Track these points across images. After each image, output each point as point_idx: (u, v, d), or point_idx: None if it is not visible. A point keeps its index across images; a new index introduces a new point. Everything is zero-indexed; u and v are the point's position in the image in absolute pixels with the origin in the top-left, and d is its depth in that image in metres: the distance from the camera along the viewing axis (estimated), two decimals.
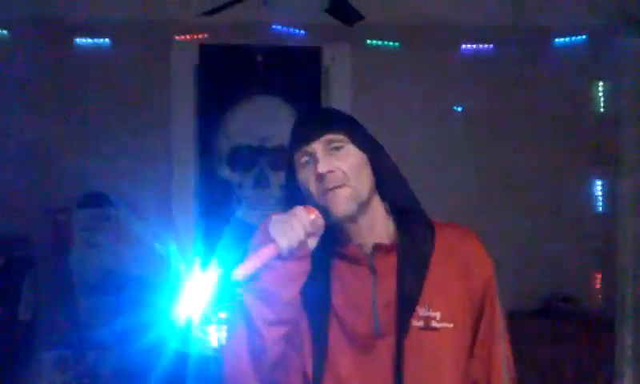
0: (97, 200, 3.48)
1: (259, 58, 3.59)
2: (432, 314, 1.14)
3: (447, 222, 1.24)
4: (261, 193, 3.66)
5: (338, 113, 1.27)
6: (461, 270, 1.18)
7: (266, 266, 1.07)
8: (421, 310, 1.14)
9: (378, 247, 1.18)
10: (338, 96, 3.61)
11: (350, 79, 3.60)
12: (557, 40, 3.75)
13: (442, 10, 3.46)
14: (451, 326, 1.15)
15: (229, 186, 3.66)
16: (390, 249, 1.18)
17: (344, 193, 1.14)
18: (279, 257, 1.07)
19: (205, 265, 3.38)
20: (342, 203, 1.14)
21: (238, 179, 3.67)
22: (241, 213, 3.66)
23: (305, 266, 1.11)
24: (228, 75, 3.63)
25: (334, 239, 1.20)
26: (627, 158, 3.47)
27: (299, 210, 1.11)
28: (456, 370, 1.16)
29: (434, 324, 1.14)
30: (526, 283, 3.47)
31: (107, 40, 3.60)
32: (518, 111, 3.73)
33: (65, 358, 3.16)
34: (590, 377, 3.42)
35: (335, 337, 1.16)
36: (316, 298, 1.17)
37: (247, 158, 3.66)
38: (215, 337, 3.00)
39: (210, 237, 3.55)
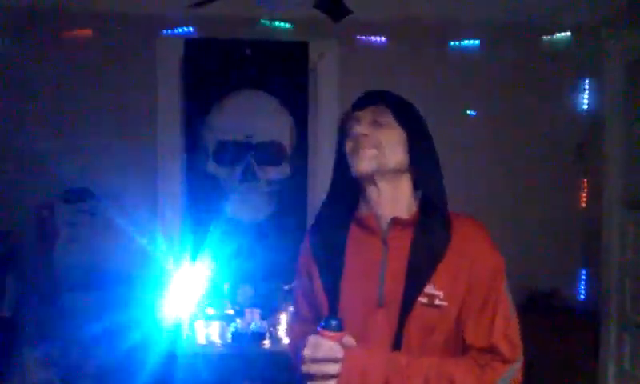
0: (81, 195, 3.47)
1: (247, 52, 3.60)
2: (437, 292, 1.24)
3: (464, 215, 1.35)
4: (248, 188, 3.67)
5: (391, 93, 1.37)
6: (470, 259, 1.27)
7: None
8: (428, 288, 1.24)
9: (395, 221, 1.29)
10: (326, 91, 3.64)
11: (337, 74, 3.63)
12: (544, 37, 3.80)
13: (430, 6, 3.49)
14: (448, 304, 1.25)
15: (216, 182, 3.67)
16: (406, 225, 1.29)
17: (369, 153, 1.28)
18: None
19: (192, 261, 3.40)
20: (364, 160, 1.28)
21: (225, 174, 3.68)
22: (228, 208, 3.66)
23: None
24: (214, 69, 3.63)
25: (356, 204, 1.35)
26: (611, 155, 3.55)
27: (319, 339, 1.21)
28: (447, 342, 1.27)
29: (437, 302, 1.24)
30: (510, 278, 3.52)
31: (92, 32, 3.57)
32: (505, 108, 3.78)
33: (49, 355, 3.15)
34: (573, 370, 3.49)
35: (344, 297, 1.28)
36: (331, 257, 1.31)
37: (234, 152, 3.67)
38: (203, 333, 3.01)
39: (197, 232, 3.56)
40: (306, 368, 1.19)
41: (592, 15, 3.62)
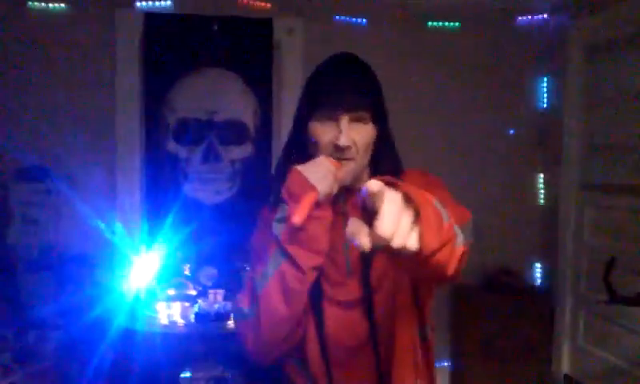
0: (36, 174, 3.39)
1: (212, 28, 3.55)
2: None
3: (413, 169, 1.44)
4: (209, 168, 3.65)
5: (368, 82, 1.35)
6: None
7: (309, 213, 1.21)
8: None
9: (347, 191, 1.35)
10: (291, 70, 3.63)
11: (302, 53, 3.62)
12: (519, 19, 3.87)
13: None
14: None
15: (176, 161, 3.64)
16: (356, 191, 1.31)
17: (349, 167, 1.29)
18: (316, 204, 1.22)
19: (152, 241, 3.37)
20: (345, 176, 1.29)
21: (186, 154, 3.65)
22: (188, 188, 3.64)
23: (331, 214, 1.27)
24: (176, 45, 3.58)
25: None
26: (572, 137, 3.66)
27: (325, 160, 1.26)
28: (413, 292, 1.37)
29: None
30: (470, 257, 3.61)
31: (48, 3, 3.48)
32: (473, 94, 3.85)
33: (4, 337, 3.09)
34: (530, 348, 3.63)
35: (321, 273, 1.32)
36: None
37: (195, 131, 3.64)
38: (165, 314, 3.00)
39: (157, 213, 3.53)
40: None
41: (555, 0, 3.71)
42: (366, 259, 1.33)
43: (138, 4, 3.57)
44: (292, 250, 1.22)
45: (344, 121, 1.28)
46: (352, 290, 1.34)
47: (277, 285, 1.23)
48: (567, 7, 3.69)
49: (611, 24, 3.30)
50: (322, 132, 1.30)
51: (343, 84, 1.30)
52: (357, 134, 1.30)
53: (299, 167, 1.25)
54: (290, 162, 1.31)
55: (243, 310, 1.30)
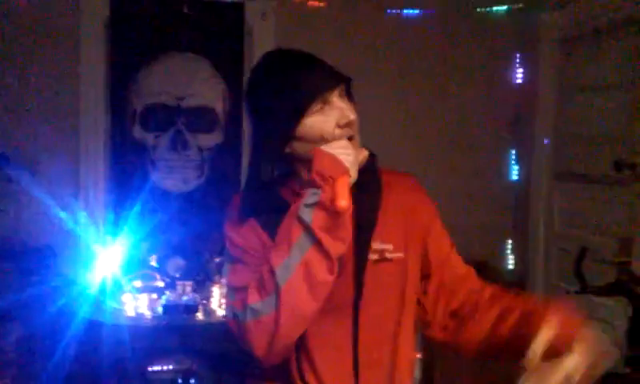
0: None
1: (179, 11, 3.51)
2: (385, 246, 1.33)
3: (396, 171, 1.46)
4: (177, 156, 3.61)
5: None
6: (407, 209, 1.39)
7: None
8: (375, 244, 1.33)
9: None
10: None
11: (273, 38, 3.59)
12: (478, 9, 3.90)
13: None
14: (402, 255, 1.35)
15: (142, 148, 3.59)
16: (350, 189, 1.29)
17: (355, 145, 1.28)
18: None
19: (117, 231, 3.33)
20: (361, 158, 1.27)
21: (153, 141, 3.60)
22: (155, 177, 3.60)
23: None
24: (143, 28, 3.52)
25: (293, 180, 1.35)
26: (543, 127, 3.72)
27: (347, 142, 1.24)
28: (408, 292, 1.38)
29: (387, 255, 1.33)
30: None
31: None
32: (439, 77, 3.87)
33: None
34: None
35: None
36: None
37: (163, 117, 3.60)
38: (131, 306, 2.97)
39: (122, 202, 3.48)
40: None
41: None
42: (358, 251, 1.32)
43: None
44: (324, 237, 1.17)
45: (337, 97, 1.27)
46: (342, 293, 1.30)
47: (302, 276, 1.16)
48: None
49: (584, 16, 3.35)
50: (322, 121, 1.25)
51: (316, 65, 1.29)
52: (350, 108, 1.29)
53: (326, 149, 1.21)
54: (267, 177, 1.31)
55: (254, 307, 1.18)
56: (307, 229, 1.17)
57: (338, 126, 1.25)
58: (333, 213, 1.16)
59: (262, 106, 1.30)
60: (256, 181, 1.31)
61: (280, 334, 1.17)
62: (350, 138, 1.26)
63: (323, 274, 1.17)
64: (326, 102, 1.26)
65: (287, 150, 1.28)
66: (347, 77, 1.30)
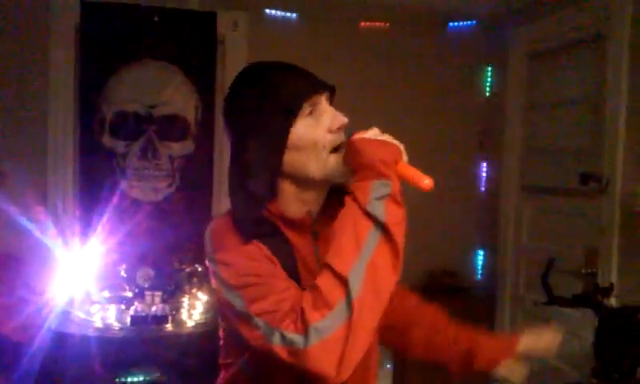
0: None
1: (151, 19, 3.48)
2: None
3: None
4: (147, 165, 3.58)
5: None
6: None
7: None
8: None
9: (324, 213, 1.29)
10: (234, 64, 3.60)
11: (246, 48, 3.59)
12: (450, 24, 3.97)
13: None
14: None
15: (112, 157, 3.55)
16: (332, 215, 1.24)
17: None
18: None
19: (85, 240, 3.28)
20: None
21: (123, 149, 3.56)
22: (125, 185, 3.55)
23: None
24: (113, 36, 3.49)
25: (277, 202, 1.27)
26: (511, 140, 3.78)
27: (377, 130, 1.19)
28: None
29: None
30: (410, 259, 3.67)
31: None
32: (411, 91, 3.92)
33: None
34: None
35: None
36: (285, 260, 1.21)
37: (133, 126, 3.56)
38: (99, 316, 2.93)
39: (91, 210, 3.42)
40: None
41: (498, 5, 3.82)
42: None
43: None
44: (396, 232, 1.08)
45: (326, 102, 1.24)
46: None
47: (371, 277, 1.06)
48: (507, 15, 3.80)
49: (552, 31, 3.42)
50: (313, 126, 1.21)
51: (302, 71, 1.25)
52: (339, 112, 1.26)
53: (367, 136, 1.16)
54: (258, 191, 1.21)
55: (318, 326, 1.04)
56: (378, 224, 1.08)
57: (330, 130, 1.22)
58: (401, 204, 1.10)
59: (249, 119, 1.22)
60: (251, 203, 1.21)
61: (352, 348, 1.05)
62: (340, 145, 1.22)
63: (390, 274, 1.09)
64: (314, 106, 1.22)
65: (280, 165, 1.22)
66: (332, 86, 1.27)
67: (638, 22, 2.79)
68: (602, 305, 2.37)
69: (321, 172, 1.22)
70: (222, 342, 1.38)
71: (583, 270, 2.99)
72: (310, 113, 1.22)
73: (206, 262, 1.25)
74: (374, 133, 1.19)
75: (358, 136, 1.18)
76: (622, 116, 2.85)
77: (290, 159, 1.21)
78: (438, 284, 3.83)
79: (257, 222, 1.21)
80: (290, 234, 1.26)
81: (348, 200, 1.13)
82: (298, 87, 1.21)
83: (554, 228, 3.43)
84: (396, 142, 1.17)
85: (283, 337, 1.07)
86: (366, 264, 1.06)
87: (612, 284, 2.56)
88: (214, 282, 1.22)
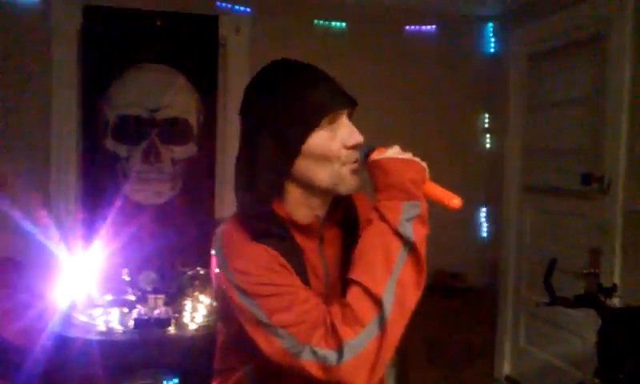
0: None
1: (153, 23, 3.49)
2: None
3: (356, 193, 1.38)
4: (150, 168, 3.58)
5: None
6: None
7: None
8: None
9: (330, 218, 1.31)
10: (236, 68, 3.61)
11: (247, 51, 3.60)
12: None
13: None
14: None
15: (115, 160, 3.55)
16: (337, 219, 1.31)
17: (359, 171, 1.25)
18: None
19: (88, 244, 3.29)
20: (358, 180, 1.25)
21: (125, 152, 3.57)
22: (128, 189, 3.56)
23: None
24: (116, 40, 3.50)
25: (282, 204, 1.27)
26: (510, 142, 3.78)
27: (399, 148, 1.20)
28: None
29: None
30: None
31: None
32: (410, 97, 3.93)
33: None
34: (474, 350, 3.72)
35: None
36: (294, 261, 1.21)
37: (136, 129, 3.57)
38: (102, 320, 2.93)
39: (94, 214, 3.43)
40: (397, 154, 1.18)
41: (497, 7, 3.82)
42: (345, 283, 1.23)
43: None
44: (422, 250, 1.11)
45: (345, 117, 1.23)
46: None
47: (399, 293, 1.09)
48: (509, 16, 3.81)
49: (553, 32, 3.42)
50: (329, 138, 1.20)
51: (329, 82, 1.23)
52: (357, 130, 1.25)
53: (390, 155, 1.17)
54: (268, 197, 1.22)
55: (352, 343, 1.06)
56: (407, 244, 1.10)
57: (345, 146, 1.21)
58: (426, 224, 1.13)
59: (268, 117, 1.20)
60: (257, 201, 1.21)
61: (382, 361, 1.08)
62: (355, 162, 1.22)
63: (415, 290, 1.11)
64: (334, 120, 1.21)
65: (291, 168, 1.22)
66: (355, 100, 1.25)
67: (638, 22, 2.79)
68: (605, 305, 2.36)
69: (329, 182, 1.22)
70: (219, 348, 1.38)
71: (585, 271, 2.98)
72: (330, 125, 1.21)
73: (217, 270, 1.22)
74: (395, 151, 1.18)
75: (381, 154, 1.18)
76: (624, 116, 2.85)
77: (301, 166, 1.21)
78: (440, 285, 3.82)
79: (264, 219, 1.20)
80: (300, 239, 1.25)
81: (375, 219, 1.14)
82: (321, 101, 1.19)
83: (556, 228, 3.43)
84: (419, 160, 1.18)
85: (314, 352, 1.08)
86: (395, 283, 1.09)
87: (615, 284, 2.55)
88: (229, 290, 1.18)
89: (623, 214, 2.86)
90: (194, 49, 3.59)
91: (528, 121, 3.70)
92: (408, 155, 1.18)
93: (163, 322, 2.92)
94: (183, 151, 3.64)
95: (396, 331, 1.09)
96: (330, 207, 1.31)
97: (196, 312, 3.07)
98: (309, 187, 1.24)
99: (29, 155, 3.41)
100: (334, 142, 1.21)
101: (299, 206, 1.26)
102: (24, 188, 3.32)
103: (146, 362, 2.88)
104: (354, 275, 1.11)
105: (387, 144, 1.21)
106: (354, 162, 1.22)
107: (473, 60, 4.05)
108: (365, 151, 1.21)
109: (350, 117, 1.26)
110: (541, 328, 3.54)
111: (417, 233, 1.11)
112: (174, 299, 3.18)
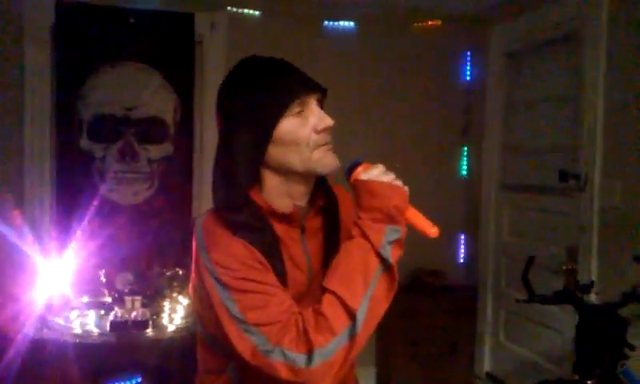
0: None
1: (127, 21, 3.44)
2: None
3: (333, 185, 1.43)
4: (126, 167, 3.54)
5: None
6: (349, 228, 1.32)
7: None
8: None
9: (312, 207, 1.34)
10: (213, 66, 3.57)
11: (225, 49, 3.56)
12: (430, 22, 3.98)
13: None
14: None
15: (90, 160, 3.50)
16: (318, 210, 1.36)
17: (330, 152, 1.29)
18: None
19: (63, 245, 3.23)
20: (335, 158, 1.29)
21: (101, 152, 3.51)
22: (104, 189, 3.51)
23: None
24: (90, 37, 3.44)
25: (259, 193, 1.30)
26: (491, 139, 3.81)
27: (383, 167, 1.27)
28: None
29: None
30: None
31: None
32: (388, 91, 3.93)
33: None
34: (455, 347, 3.75)
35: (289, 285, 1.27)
36: (271, 251, 1.24)
37: (111, 128, 3.51)
38: (78, 322, 2.88)
39: (69, 214, 3.38)
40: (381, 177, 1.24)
41: (477, 4, 3.84)
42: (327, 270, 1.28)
43: None
44: (395, 269, 1.20)
45: (315, 103, 1.27)
46: (313, 301, 1.24)
47: (373, 307, 1.18)
48: (486, 14, 3.82)
49: (530, 30, 3.45)
50: (299, 124, 1.24)
51: (296, 69, 1.28)
52: (327, 115, 1.29)
53: (376, 178, 1.23)
54: (242, 185, 1.24)
55: (323, 350, 1.12)
56: (385, 263, 1.18)
57: (315, 131, 1.25)
58: (403, 246, 1.21)
59: (240, 108, 1.25)
60: (232, 190, 1.24)
61: (346, 364, 1.17)
62: (326, 144, 1.27)
63: (385, 302, 1.20)
64: (304, 106, 1.25)
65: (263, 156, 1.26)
66: (324, 88, 1.30)
67: (613, 20, 2.82)
68: (583, 301, 2.39)
69: (304, 165, 1.26)
70: (199, 348, 1.38)
71: (564, 267, 3.01)
72: (299, 112, 1.25)
73: (200, 260, 1.24)
74: (379, 171, 1.24)
75: (366, 171, 1.24)
76: (600, 113, 2.87)
77: (274, 152, 1.25)
78: (420, 283, 3.83)
79: (241, 210, 1.23)
80: (280, 229, 1.28)
81: (358, 235, 1.20)
82: (289, 85, 1.24)
83: (534, 225, 3.45)
84: (401, 184, 1.24)
85: (284, 354, 1.13)
86: (369, 299, 1.16)
87: (592, 281, 2.58)
88: (207, 281, 1.21)
89: (599, 210, 2.89)
90: (170, 46, 3.54)
91: (506, 119, 3.72)
92: (391, 177, 1.24)
93: (141, 324, 2.88)
94: (160, 150, 3.59)
95: (364, 339, 1.17)
96: (311, 197, 1.34)
97: (175, 313, 3.04)
98: (286, 174, 1.28)
99: (2, 155, 3.34)
100: (304, 128, 1.25)
101: (279, 196, 1.29)
102: None
103: (124, 364, 2.85)
104: (332, 285, 1.17)
105: (372, 160, 1.28)
106: (325, 144, 1.27)
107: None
108: (350, 165, 1.26)
109: (320, 105, 1.30)
110: (520, 324, 3.56)
111: (394, 255, 1.19)
112: (152, 301, 3.14)
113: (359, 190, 1.23)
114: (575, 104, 3.07)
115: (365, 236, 1.19)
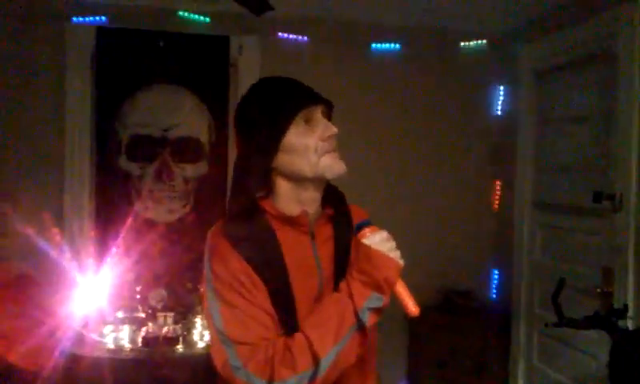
0: None
1: (162, 44, 3.52)
2: None
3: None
4: (163, 186, 3.59)
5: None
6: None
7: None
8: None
9: (322, 215, 1.39)
10: (247, 87, 3.59)
11: (258, 70, 3.60)
12: (462, 44, 3.95)
13: (351, 7, 3.54)
14: None
15: (128, 178, 3.57)
16: (329, 217, 1.41)
17: (336, 158, 1.36)
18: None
19: (100, 261, 3.29)
20: (342, 163, 1.35)
21: (138, 171, 3.58)
22: (140, 207, 3.57)
23: None
24: (128, 60, 3.53)
25: (272, 200, 1.38)
26: (523, 158, 3.73)
27: (387, 234, 1.30)
28: None
29: None
30: (426, 279, 3.64)
31: None
32: (422, 111, 3.90)
33: None
34: (486, 369, 3.65)
35: (296, 297, 1.32)
36: (271, 264, 1.30)
37: (148, 148, 3.58)
38: (112, 338, 2.92)
39: (107, 231, 3.44)
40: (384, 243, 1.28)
41: (506, 25, 3.79)
42: (338, 276, 1.34)
43: (75, 19, 3.51)
44: (370, 330, 1.28)
45: (320, 114, 1.35)
46: None
47: (342, 357, 1.25)
48: (516, 33, 3.77)
49: (560, 48, 3.38)
50: (306, 133, 1.32)
51: (301, 85, 1.37)
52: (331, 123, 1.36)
53: (377, 246, 1.26)
54: (251, 191, 1.33)
55: (284, 382, 1.20)
56: (360, 325, 1.25)
57: (321, 138, 1.32)
58: (381, 313, 1.27)
59: (250, 122, 1.34)
60: (242, 196, 1.33)
61: None
62: (333, 151, 1.34)
63: (352, 355, 1.26)
64: (309, 118, 1.33)
65: (273, 164, 1.33)
66: (329, 101, 1.37)
67: None
68: (617, 327, 2.29)
69: (313, 171, 1.33)
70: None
71: (599, 289, 2.91)
72: (306, 122, 1.33)
73: (204, 266, 1.32)
74: (382, 237, 1.28)
75: (373, 233, 1.28)
76: (635, 132, 2.78)
77: (285, 160, 1.33)
78: (451, 304, 3.76)
79: (247, 217, 1.31)
80: (289, 235, 1.34)
81: (344, 291, 1.27)
82: (296, 98, 1.33)
83: (567, 246, 3.35)
84: (398, 256, 1.28)
85: (248, 376, 1.21)
86: (338, 352, 1.23)
87: (626, 305, 2.48)
88: (203, 287, 1.32)
89: (636, 232, 2.78)
90: (205, 69, 3.60)
91: (538, 137, 3.64)
92: (391, 245, 1.28)
93: (171, 340, 2.90)
94: (195, 169, 3.64)
95: (325, 381, 1.23)
96: (321, 207, 1.40)
97: (205, 330, 3.05)
98: (297, 181, 1.35)
99: (43, 174, 3.44)
100: (311, 136, 1.32)
101: (289, 202, 1.36)
102: (38, 206, 3.34)
103: (154, 379, 2.87)
104: (306, 328, 1.25)
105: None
106: (332, 150, 1.34)
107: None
108: (360, 224, 1.31)
109: (327, 117, 1.38)
110: (554, 347, 3.45)
111: (371, 320, 1.26)
112: (184, 317, 3.16)
113: (359, 251, 1.28)
114: (608, 123, 2.99)
115: (350, 295, 1.25)
